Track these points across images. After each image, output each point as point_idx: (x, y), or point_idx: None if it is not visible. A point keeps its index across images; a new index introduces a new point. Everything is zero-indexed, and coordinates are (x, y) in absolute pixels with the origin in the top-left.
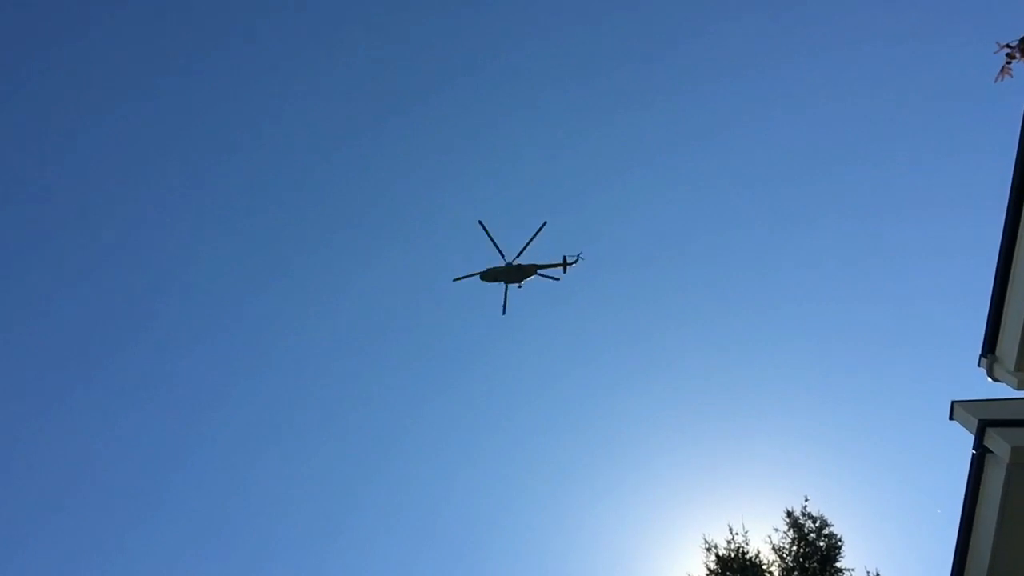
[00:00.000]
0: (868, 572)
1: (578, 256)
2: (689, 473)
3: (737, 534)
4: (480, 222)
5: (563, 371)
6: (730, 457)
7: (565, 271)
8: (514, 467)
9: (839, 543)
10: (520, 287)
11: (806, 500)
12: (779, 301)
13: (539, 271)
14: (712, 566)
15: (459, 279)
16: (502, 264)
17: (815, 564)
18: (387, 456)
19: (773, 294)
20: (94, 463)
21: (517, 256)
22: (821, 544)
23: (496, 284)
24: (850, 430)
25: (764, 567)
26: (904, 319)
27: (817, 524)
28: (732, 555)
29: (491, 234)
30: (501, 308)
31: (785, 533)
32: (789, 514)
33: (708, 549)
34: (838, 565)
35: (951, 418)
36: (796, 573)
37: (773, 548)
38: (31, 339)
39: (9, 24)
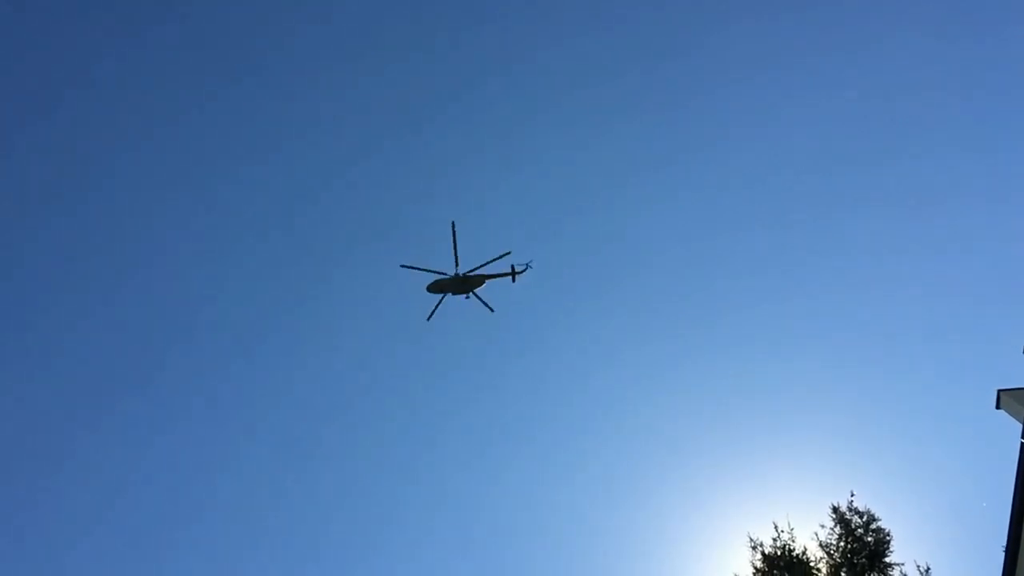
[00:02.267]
0: (918, 567)
1: (527, 265)
2: (731, 472)
3: (783, 531)
4: (452, 224)
5: (597, 372)
6: (773, 455)
7: (514, 280)
8: (554, 471)
9: (887, 538)
10: (467, 298)
11: (852, 495)
12: (817, 294)
13: (487, 281)
14: (758, 564)
15: (407, 266)
16: (448, 276)
17: (863, 560)
18: (423, 460)
19: (812, 288)
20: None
21: (471, 270)
22: (869, 539)
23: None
24: (894, 422)
25: (811, 564)
26: (947, 309)
27: (864, 519)
28: (778, 553)
29: (423, 267)
30: (490, 308)
31: (832, 529)
32: (835, 510)
33: (754, 547)
34: (887, 560)
35: (998, 407)
36: (844, 569)
37: (820, 545)
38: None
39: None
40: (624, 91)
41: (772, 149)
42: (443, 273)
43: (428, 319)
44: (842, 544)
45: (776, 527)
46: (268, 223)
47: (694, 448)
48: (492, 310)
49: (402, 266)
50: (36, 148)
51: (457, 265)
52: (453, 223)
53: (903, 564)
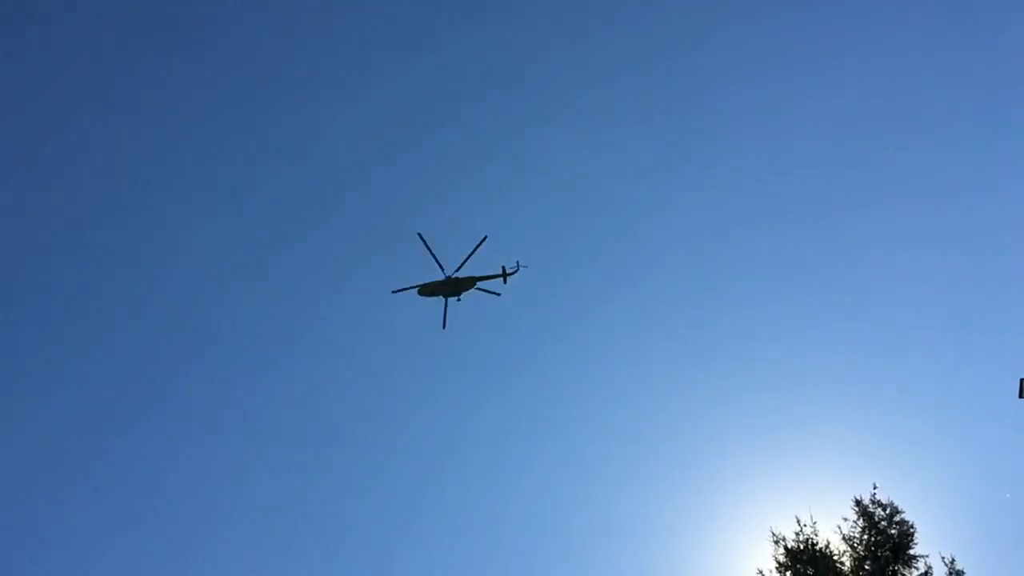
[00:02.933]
0: (943, 558)
1: (517, 265)
2: (751, 467)
3: (805, 525)
4: (420, 234)
5: (615, 371)
6: (794, 449)
7: (505, 281)
8: (575, 469)
9: (911, 530)
10: (459, 300)
11: (875, 488)
12: (836, 287)
13: (478, 284)
14: (781, 559)
15: (398, 291)
16: (439, 278)
17: (887, 552)
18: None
19: (829, 281)
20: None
21: (456, 270)
22: (892, 532)
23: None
24: (916, 413)
25: (835, 557)
26: (968, 299)
27: (887, 511)
28: (801, 547)
29: (431, 247)
30: (444, 324)
31: (855, 522)
32: (858, 503)
33: (776, 542)
34: (912, 552)
35: (1021, 396)
36: (868, 562)
37: (843, 538)
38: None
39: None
40: (625, 92)
41: (783, 147)
42: (441, 266)
43: (443, 327)
44: (865, 537)
45: (798, 521)
46: (282, 231)
47: (714, 445)
48: (444, 327)
49: (393, 292)
50: (60, 167)
51: (443, 269)
52: (420, 234)
53: (927, 556)
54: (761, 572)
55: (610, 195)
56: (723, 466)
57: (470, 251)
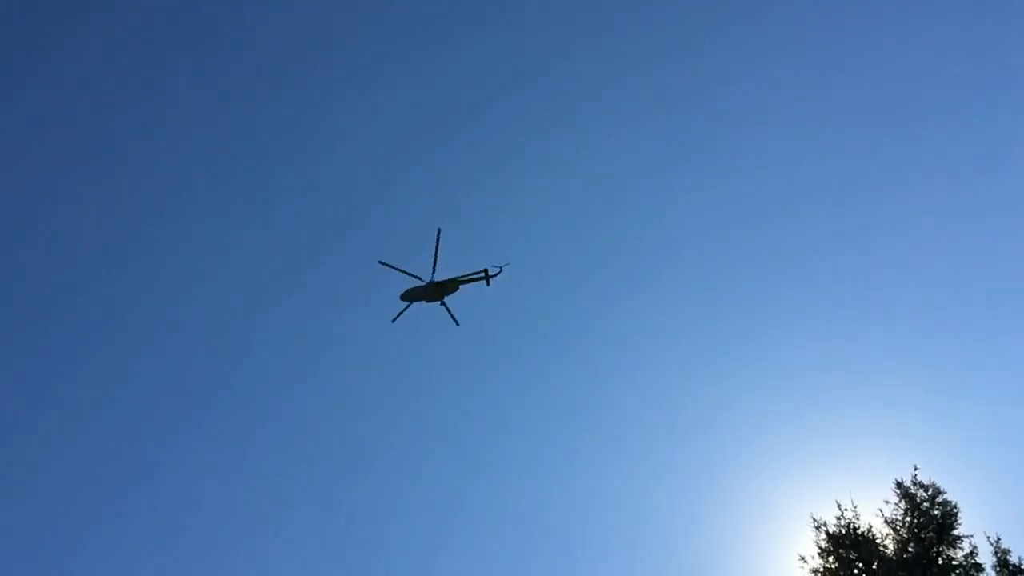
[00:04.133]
0: (988, 537)
1: (501, 267)
2: (791, 452)
3: (846, 510)
4: (380, 262)
5: (649, 358)
6: (832, 433)
7: (488, 283)
8: (614, 461)
9: (955, 510)
10: (442, 304)
11: (916, 469)
12: (868, 268)
13: (461, 286)
14: (823, 544)
15: (384, 263)
16: (422, 283)
17: (931, 533)
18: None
19: (862, 263)
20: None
21: (433, 272)
22: (935, 513)
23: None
24: (954, 393)
25: (877, 541)
26: (1008, 273)
27: (929, 492)
28: (843, 531)
29: (398, 267)
30: (456, 321)
31: (896, 504)
32: (899, 485)
33: (817, 527)
34: (955, 533)
35: None
36: (912, 544)
37: (885, 521)
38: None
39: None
40: (625, 93)
41: (784, 146)
42: (419, 278)
43: (393, 321)
44: (908, 519)
45: (839, 506)
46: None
47: (751, 432)
48: (457, 323)
49: (380, 263)
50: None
51: (434, 272)
52: (439, 230)
53: (972, 536)
54: (803, 558)
55: (622, 194)
56: (761, 453)
57: (434, 250)
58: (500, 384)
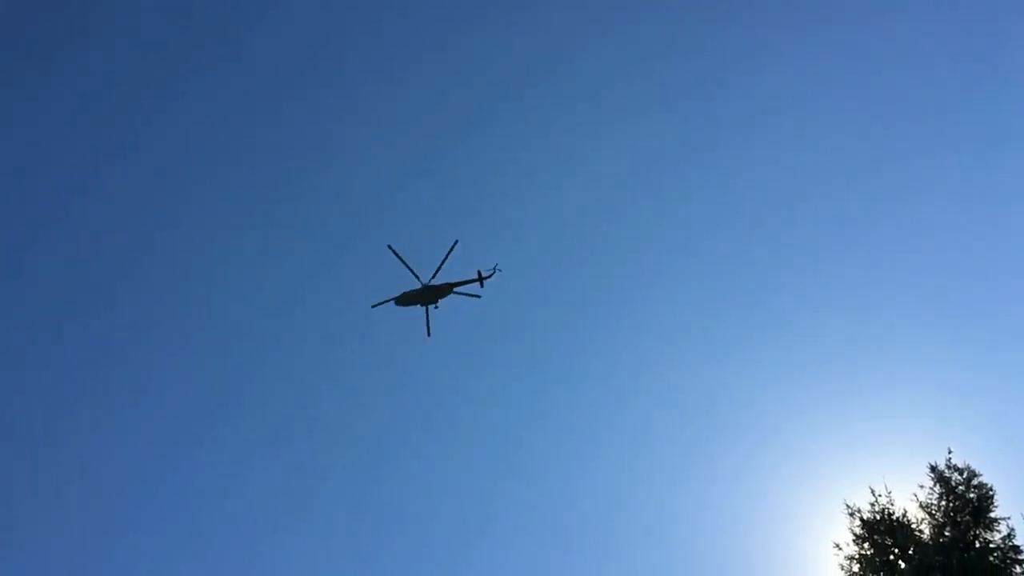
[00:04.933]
0: None
1: (494, 269)
2: (820, 438)
3: (880, 495)
4: (390, 246)
5: (680, 346)
6: (862, 417)
7: (482, 285)
8: (645, 450)
9: (990, 492)
10: (436, 307)
11: (949, 452)
12: (895, 248)
13: (455, 289)
14: (857, 531)
15: (377, 305)
16: (416, 287)
17: (967, 517)
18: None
19: (884, 244)
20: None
21: (432, 277)
22: (971, 496)
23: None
24: (984, 373)
25: (913, 526)
26: None
27: (964, 475)
28: (877, 517)
29: (403, 258)
30: (428, 332)
31: (931, 489)
32: (933, 469)
33: (851, 514)
34: (992, 515)
35: None
36: (948, 528)
37: (920, 505)
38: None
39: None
40: (623, 93)
41: (783, 146)
42: (416, 275)
43: (428, 334)
44: (943, 503)
45: (873, 492)
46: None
47: (780, 419)
48: (428, 335)
49: (389, 247)
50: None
51: (434, 277)
52: (456, 241)
53: (1009, 518)
54: (837, 545)
55: (633, 190)
56: (791, 442)
57: (443, 257)
58: (528, 385)
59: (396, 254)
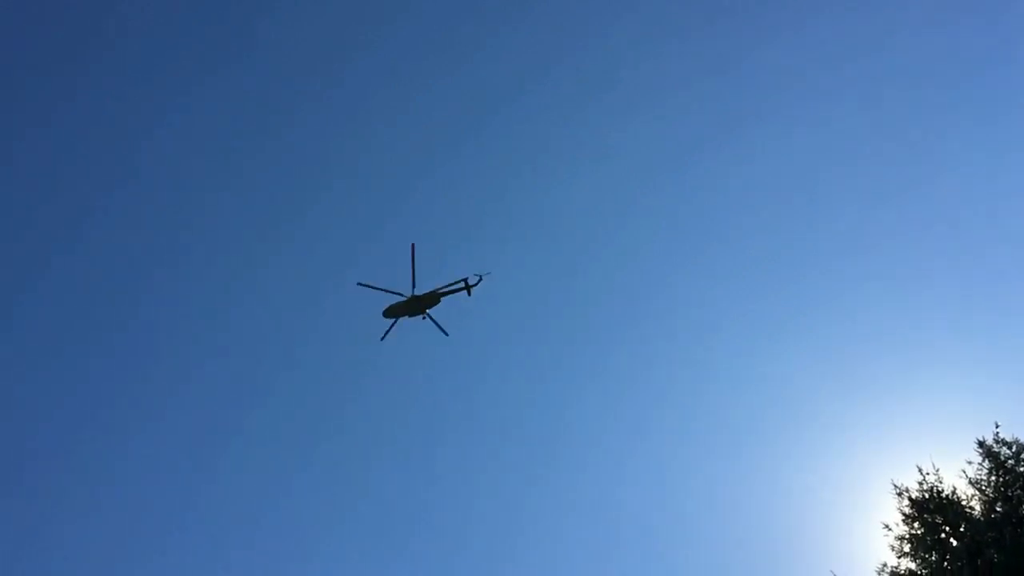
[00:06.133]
0: None
1: (480, 276)
2: (864, 419)
3: (928, 474)
4: (360, 283)
5: (719, 330)
6: (905, 397)
7: (469, 293)
8: (690, 437)
9: None
10: (424, 318)
11: (997, 426)
12: (933, 225)
13: (442, 298)
14: (907, 511)
15: (363, 284)
16: (403, 298)
17: (1018, 491)
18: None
19: (927, 218)
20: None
21: (412, 287)
22: (1022, 469)
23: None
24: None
25: (963, 503)
26: None
27: (1014, 449)
28: (926, 496)
29: (378, 287)
30: (444, 332)
31: (980, 464)
32: (981, 444)
33: (899, 494)
34: None
35: None
36: (999, 504)
37: (970, 482)
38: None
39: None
40: (620, 94)
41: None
42: (400, 295)
43: (382, 339)
44: (993, 478)
45: (920, 470)
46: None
47: (821, 403)
48: (447, 334)
49: (359, 284)
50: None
51: (414, 287)
52: (413, 245)
53: None
54: (887, 526)
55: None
56: (832, 425)
57: (411, 266)
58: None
59: (370, 287)
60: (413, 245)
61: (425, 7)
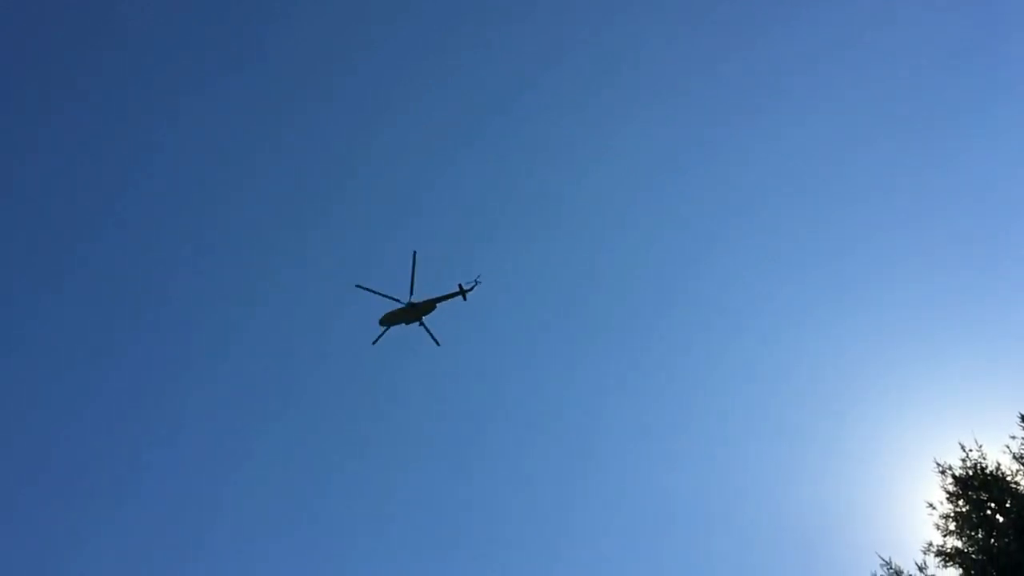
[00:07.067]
0: None
1: (475, 281)
2: (902, 398)
3: (971, 450)
4: (358, 285)
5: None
6: (942, 376)
7: (465, 298)
8: (725, 424)
9: None
10: (420, 325)
11: None
12: (967, 203)
13: (438, 305)
14: (950, 488)
15: (361, 287)
16: (399, 305)
17: None
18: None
19: (964, 195)
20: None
21: (411, 294)
22: None
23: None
24: None
25: (1008, 478)
26: None
27: None
28: (970, 473)
29: (376, 290)
30: (436, 341)
31: None
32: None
33: (942, 472)
34: None
35: None
36: None
37: (1014, 456)
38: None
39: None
40: (621, 94)
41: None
42: (397, 300)
43: (374, 343)
44: None
45: (963, 447)
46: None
47: (862, 386)
48: (439, 343)
49: (357, 286)
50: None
51: (412, 294)
52: (415, 253)
53: None
54: (931, 505)
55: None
56: (873, 406)
57: (411, 272)
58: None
59: (369, 290)
60: (415, 253)
61: (425, 8)
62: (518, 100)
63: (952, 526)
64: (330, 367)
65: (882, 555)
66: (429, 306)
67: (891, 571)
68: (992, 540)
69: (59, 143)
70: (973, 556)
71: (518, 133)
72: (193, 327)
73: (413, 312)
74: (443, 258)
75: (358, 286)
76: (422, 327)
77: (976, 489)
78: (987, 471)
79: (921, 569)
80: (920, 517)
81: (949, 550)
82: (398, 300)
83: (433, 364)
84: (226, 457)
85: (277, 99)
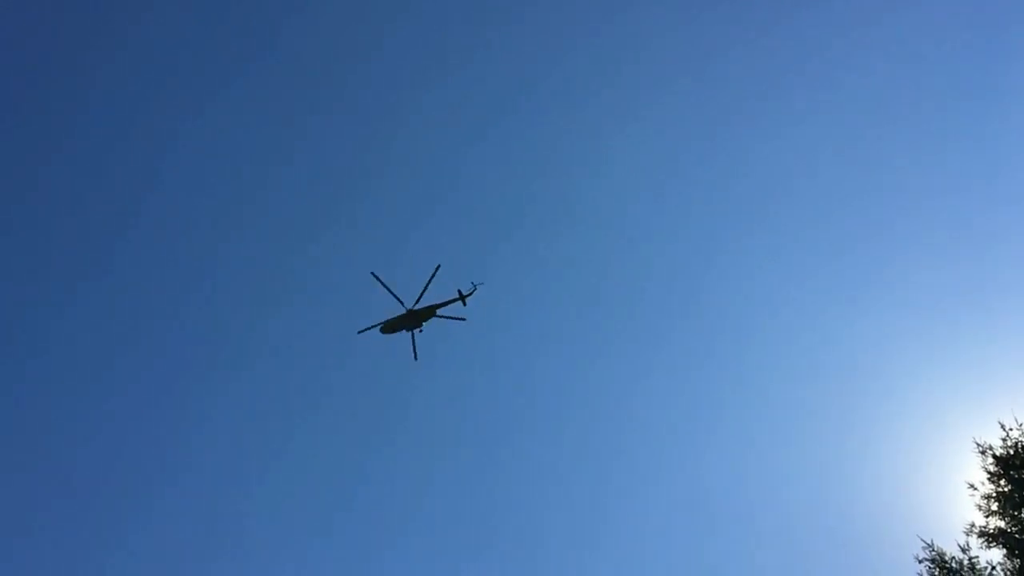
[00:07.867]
0: None
1: (474, 287)
2: (939, 382)
3: (1012, 429)
4: (373, 274)
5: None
6: (978, 356)
7: (465, 304)
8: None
9: None
10: (420, 331)
11: None
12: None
13: (438, 311)
14: (992, 468)
15: (363, 331)
16: (399, 313)
17: None
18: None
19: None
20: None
21: (416, 301)
22: None
23: (408, 333)
24: None
25: None
26: None
27: None
28: (1011, 452)
29: (387, 285)
30: (416, 355)
31: None
32: None
33: (983, 452)
34: None
35: None
36: None
37: None
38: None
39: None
40: (620, 93)
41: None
42: (400, 300)
43: (415, 359)
44: None
45: (1003, 426)
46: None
47: (900, 366)
48: (416, 358)
49: (372, 274)
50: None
51: (417, 301)
52: (438, 266)
53: None
54: (972, 485)
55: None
56: (909, 387)
57: (426, 282)
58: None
59: (381, 281)
60: (438, 266)
61: (426, 8)
62: (530, 98)
63: (994, 506)
64: (353, 367)
65: (924, 538)
66: (429, 313)
67: (933, 553)
68: None
69: (75, 147)
70: (1017, 536)
71: (525, 135)
72: (216, 331)
73: (413, 319)
74: (447, 259)
75: (373, 274)
76: (413, 335)
77: (1018, 468)
78: None
79: (964, 550)
80: (961, 499)
81: (992, 530)
82: (401, 302)
83: (446, 367)
84: (249, 460)
85: (290, 100)
